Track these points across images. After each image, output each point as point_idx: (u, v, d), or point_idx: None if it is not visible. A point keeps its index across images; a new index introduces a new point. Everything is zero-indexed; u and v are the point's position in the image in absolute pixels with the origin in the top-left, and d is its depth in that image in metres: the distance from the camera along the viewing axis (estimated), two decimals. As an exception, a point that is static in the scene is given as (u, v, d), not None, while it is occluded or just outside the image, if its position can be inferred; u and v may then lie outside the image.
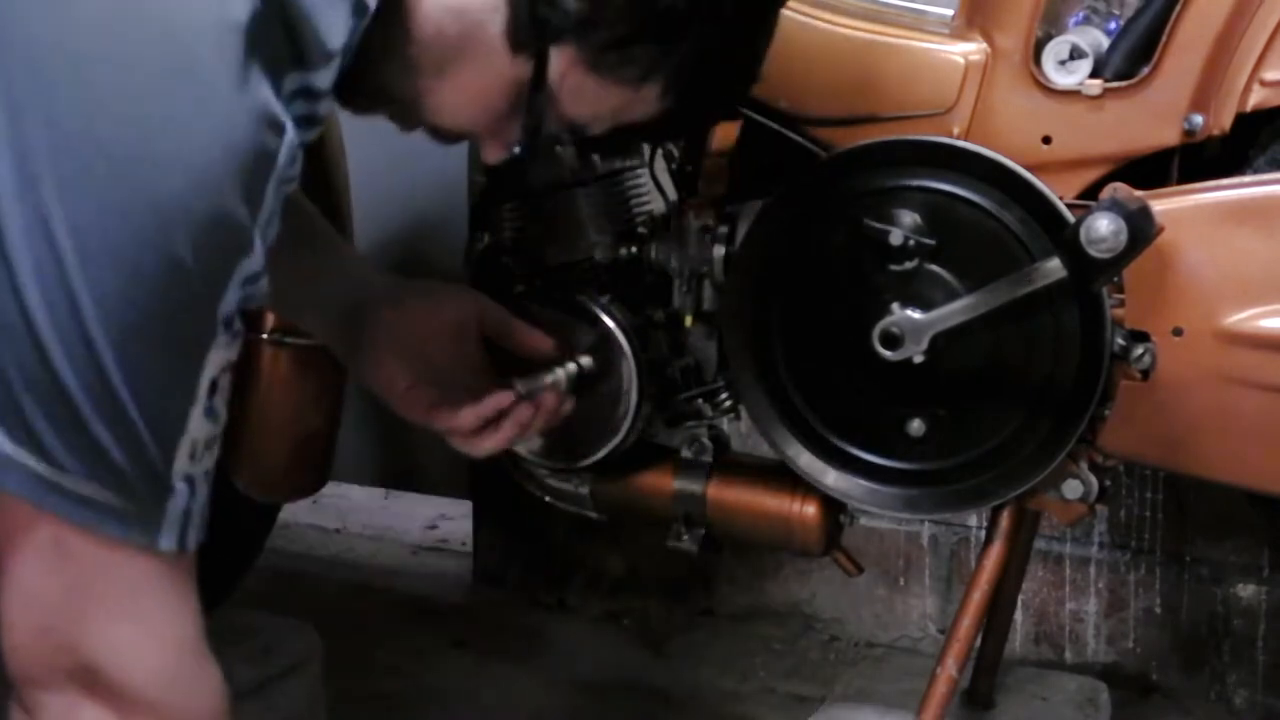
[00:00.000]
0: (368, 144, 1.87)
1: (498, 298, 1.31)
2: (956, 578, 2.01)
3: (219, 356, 0.85)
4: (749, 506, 1.34)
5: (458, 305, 1.21)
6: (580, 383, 1.26)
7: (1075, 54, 1.22)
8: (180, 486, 0.85)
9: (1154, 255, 1.16)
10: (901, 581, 2.05)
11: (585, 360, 1.27)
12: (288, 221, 1.20)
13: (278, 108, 0.82)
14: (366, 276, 1.23)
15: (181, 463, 0.85)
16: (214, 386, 0.85)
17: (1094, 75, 1.22)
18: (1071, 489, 1.25)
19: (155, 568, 0.86)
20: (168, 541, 0.85)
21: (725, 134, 1.35)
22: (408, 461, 2.31)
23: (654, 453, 1.36)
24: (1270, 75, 1.18)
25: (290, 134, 0.83)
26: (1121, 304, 1.19)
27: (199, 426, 0.85)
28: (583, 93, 0.95)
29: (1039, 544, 1.88)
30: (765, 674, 2.02)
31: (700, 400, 1.35)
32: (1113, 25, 1.30)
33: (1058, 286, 1.18)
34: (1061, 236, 1.17)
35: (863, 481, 1.28)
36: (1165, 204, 1.17)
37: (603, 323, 1.29)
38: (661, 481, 1.35)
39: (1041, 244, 1.19)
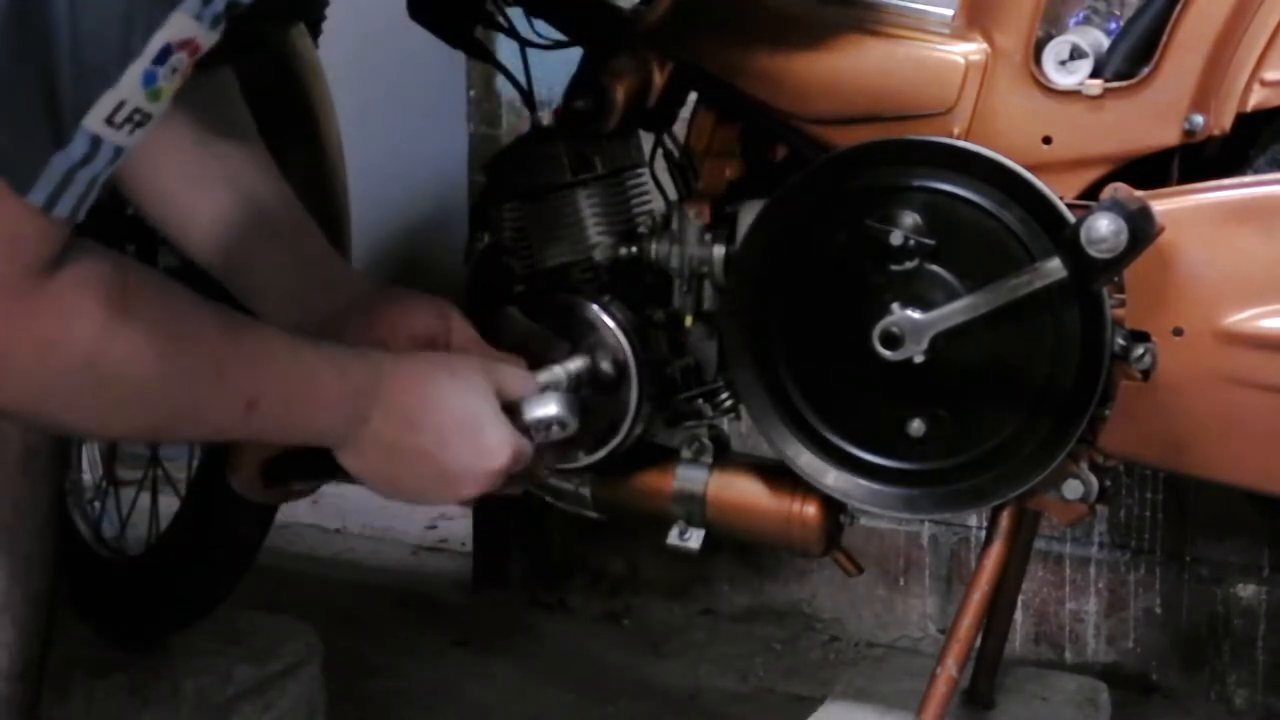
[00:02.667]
0: (368, 145, 1.88)
1: (498, 298, 1.31)
2: (956, 578, 2.01)
3: (184, 25, 0.81)
4: (749, 506, 1.33)
5: (425, 319, 1.19)
6: (580, 383, 1.26)
7: (1075, 54, 1.22)
8: (79, 144, 0.81)
9: (1154, 255, 1.16)
10: (901, 581, 2.05)
11: (585, 360, 1.27)
12: (272, 214, 1.21)
13: None
14: (342, 280, 1.22)
15: (94, 118, 0.80)
16: (164, 55, 0.81)
17: (1094, 75, 1.22)
18: (1071, 489, 1.25)
19: (15, 213, 0.80)
20: (38, 195, 0.80)
21: (724, 132, 1.35)
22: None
23: (654, 453, 1.36)
24: (1270, 75, 1.18)
25: None
26: (1122, 304, 1.19)
27: (132, 88, 0.81)
28: None
29: (1039, 544, 1.88)
30: (765, 674, 2.02)
31: (700, 400, 1.35)
32: (1113, 25, 1.30)
33: (1058, 286, 1.18)
34: (1062, 236, 1.17)
35: (863, 481, 1.28)
36: (1165, 204, 1.17)
37: (603, 323, 1.29)
38: (661, 481, 1.35)
39: (1041, 244, 1.19)
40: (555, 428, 1.14)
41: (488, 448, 1.08)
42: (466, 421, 1.07)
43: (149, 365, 0.89)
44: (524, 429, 1.12)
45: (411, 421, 1.05)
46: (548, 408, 1.14)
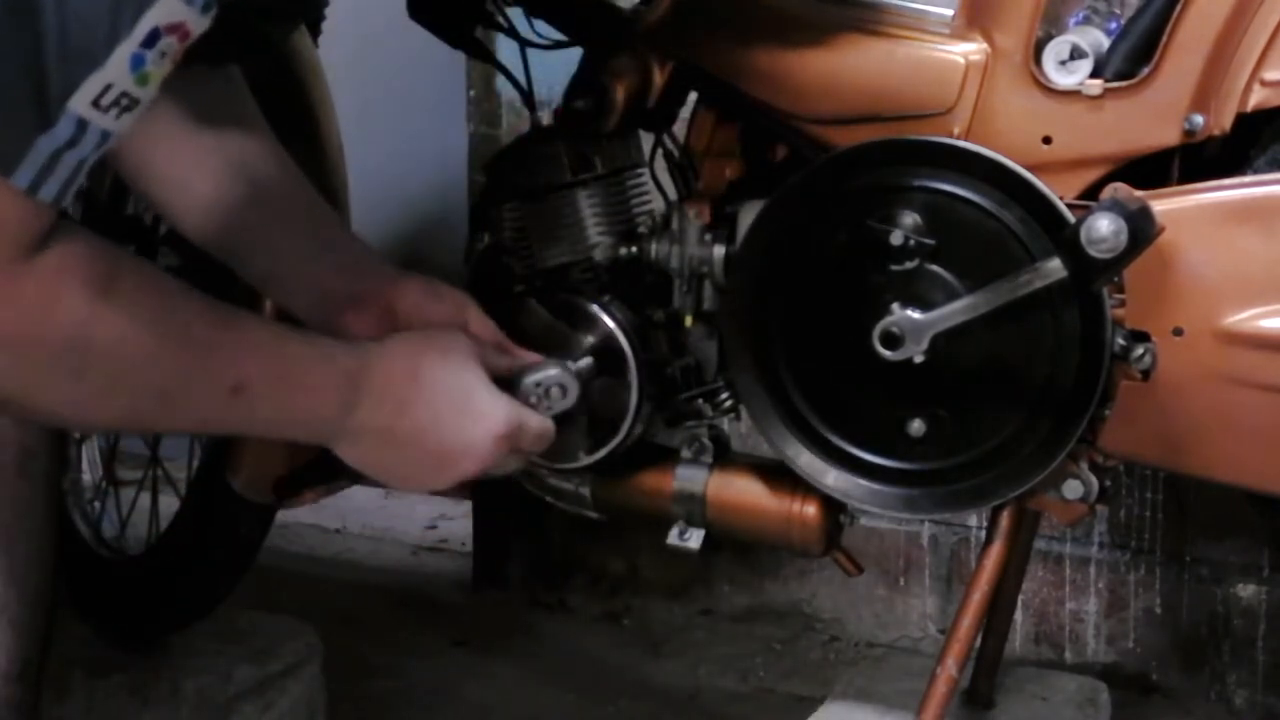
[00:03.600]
0: (368, 145, 1.88)
1: (498, 298, 1.31)
2: (956, 578, 2.01)
3: (173, 8, 0.81)
4: (749, 506, 1.34)
5: (444, 308, 1.19)
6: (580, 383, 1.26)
7: (1076, 54, 1.22)
8: (64, 126, 0.80)
9: (1154, 255, 1.16)
10: (901, 581, 2.05)
11: (585, 361, 1.27)
12: (287, 200, 1.21)
13: None
14: (363, 265, 1.22)
15: (80, 100, 0.80)
16: (153, 38, 0.81)
17: (1094, 75, 1.22)
18: (1071, 489, 1.25)
19: None
20: (23, 177, 0.80)
21: (724, 132, 1.35)
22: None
23: (654, 453, 1.36)
24: (1270, 75, 1.18)
25: None
26: (1122, 304, 1.19)
27: (119, 71, 0.81)
28: None
29: (1039, 544, 1.88)
30: (765, 674, 2.02)
31: (700, 400, 1.35)
32: (1113, 25, 1.30)
33: (1058, 286, 1.18)
34: (1062, 237, 1.17)
35: (863, 481, 1.28)
36: (1165, 204, 1.17)
37: (603, 323, 1.29)
38: (661, 481, 1.35)
39: (1042, 244, 1.19)
40: (555, 391, 1.14)
41: (479, 414, 1.07)
42: (456, 394, 1.06)
43: (133, 348, 0.88)
44: (525, 400, 1.12)
45: (402, 404, 1.04)
46: (545, 371, 1.14)
